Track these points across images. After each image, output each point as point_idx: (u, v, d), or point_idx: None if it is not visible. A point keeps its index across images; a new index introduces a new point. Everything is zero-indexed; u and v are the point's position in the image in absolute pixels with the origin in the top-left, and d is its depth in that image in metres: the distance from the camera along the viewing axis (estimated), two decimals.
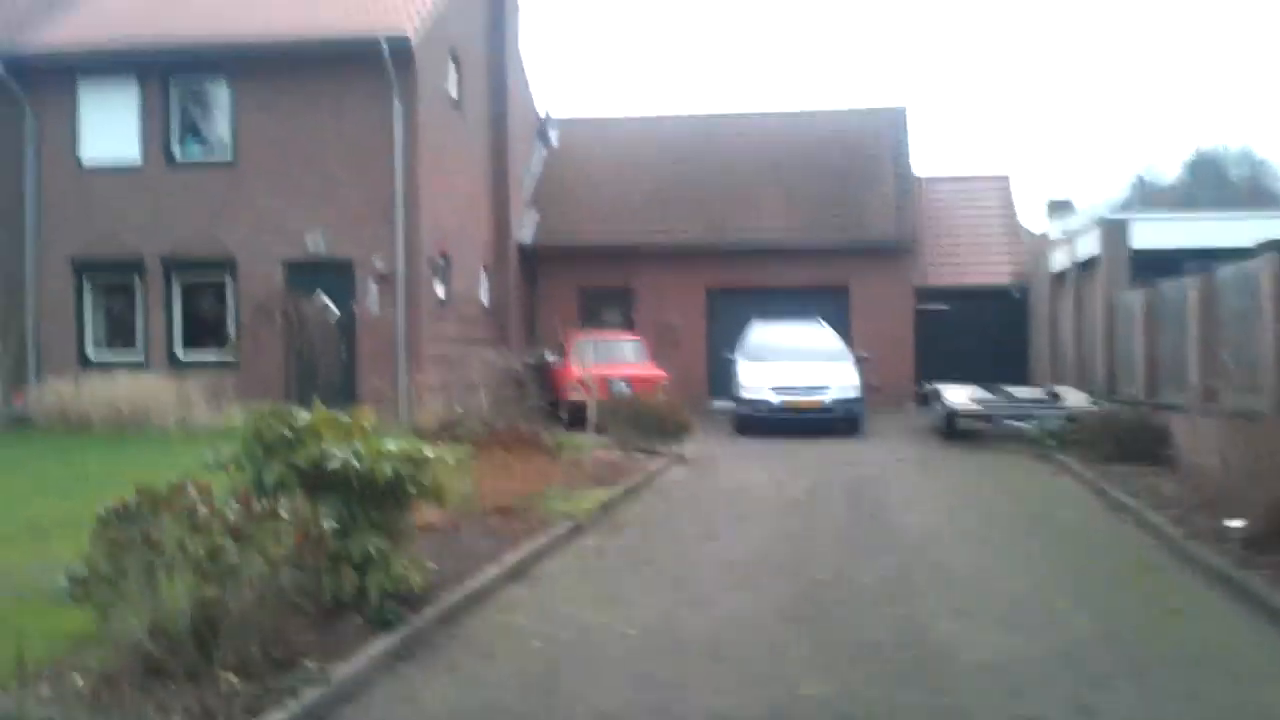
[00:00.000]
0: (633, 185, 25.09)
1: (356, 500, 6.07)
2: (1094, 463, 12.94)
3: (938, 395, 17.81)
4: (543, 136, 26.43)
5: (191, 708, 4.57)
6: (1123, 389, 15.58)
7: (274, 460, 6.00)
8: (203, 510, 5.08)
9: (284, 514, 5.24)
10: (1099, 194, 47.88)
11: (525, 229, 24.11)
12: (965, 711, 4.98)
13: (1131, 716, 5.01)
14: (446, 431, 8.98)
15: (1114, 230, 16.96)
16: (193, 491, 5.19)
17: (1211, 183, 45.95)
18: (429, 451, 6.27)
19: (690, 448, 15.07)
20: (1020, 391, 17.79)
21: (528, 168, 25.53)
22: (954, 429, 17.11)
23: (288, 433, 6.08)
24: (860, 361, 18.78)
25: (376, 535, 6.09)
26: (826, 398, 17.69)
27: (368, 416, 6.52)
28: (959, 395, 16.99)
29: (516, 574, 7.54)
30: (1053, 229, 26.44)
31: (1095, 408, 15.33)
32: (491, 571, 7.25)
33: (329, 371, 17.55)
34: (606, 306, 24.34)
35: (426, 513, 8.62)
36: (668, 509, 10.77)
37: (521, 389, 17.50)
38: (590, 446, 13.76)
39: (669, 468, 13.76)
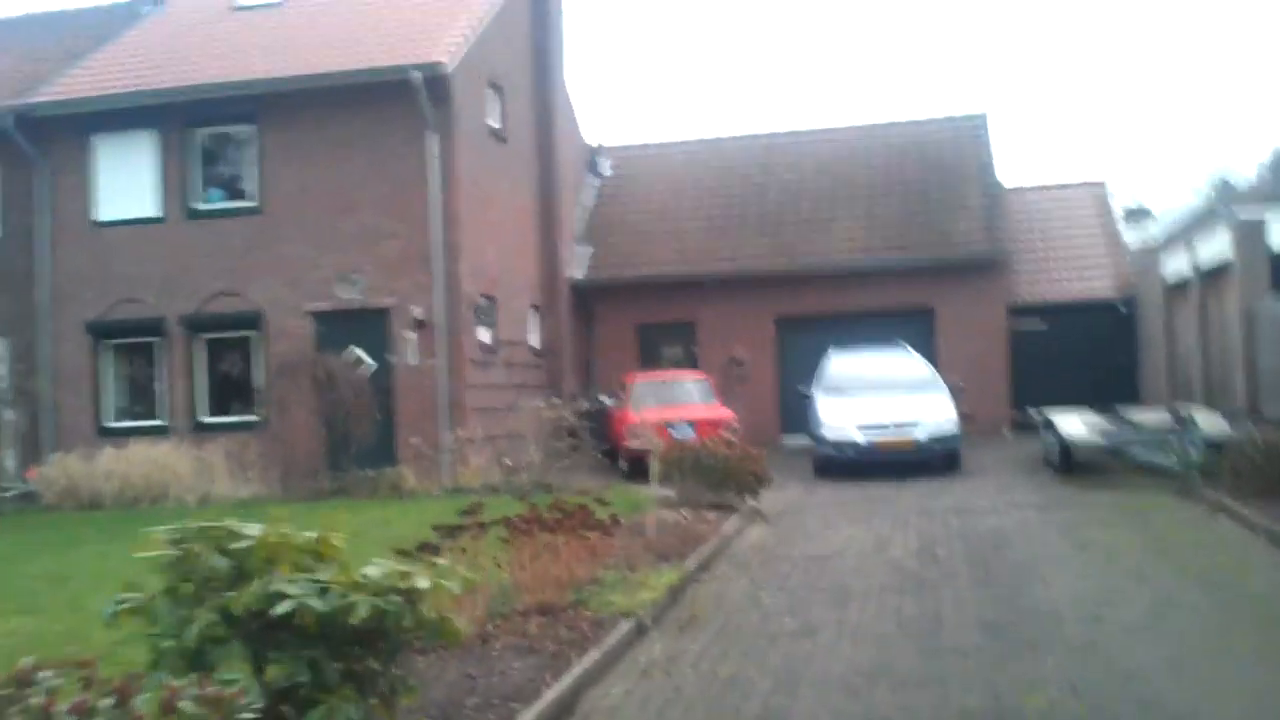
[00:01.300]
0: (692, 213, 23.39)
1: (324, 653, 4.30)
2: (1254, 501, 10.80)
3: (1048, 424, 15.69)
4: (594, 167, 24.83)
5: None
6: (1270, 410, 13.38)
7: (201, 606, 4.25)
8: (61, 713, 3.33)
9: (189, 706, 3.47)
10: (1173, 199, 44.93)
11: (578, 265, 22.46)
12: None
13: None
14: (472, 515, 7.19)
15: (1250, 231, 14.70)
16: (50, 679, 3.45)
17: None
18: (422, 580, 4.46)
19: (768, 498, 13.18)
20: (1144, 417, 15.61)
21: (579, 200, 23.93)
22: (1070, 463, 14.98)
23: (222, 563, 4.32)
24: (955, 391, 16.72)
25: (353, 702, 4.30)
26: (920, 435, 15.64)
27: (340, 526, 4.76)
28: (1075, 424, 14.86)
29: (559, 716, 5.69)
30: (1130, 237, 24.23)
31: (1237, 433, 13.13)
32: (526, 717, 5.42)
33: (363, 432, 15.97)
34: (668, 343, 22.60)
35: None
36: (749, 589, 8.87)
37: (574, 439, 15.73)
38: (652, 503, 11.97)
39: (746, 528, 11.87)
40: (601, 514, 8.64)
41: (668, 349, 22.53)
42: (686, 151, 25.19)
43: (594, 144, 24.99)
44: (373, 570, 4.52)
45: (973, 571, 9.10)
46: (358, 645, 4.42)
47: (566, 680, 6.03)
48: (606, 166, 24.77)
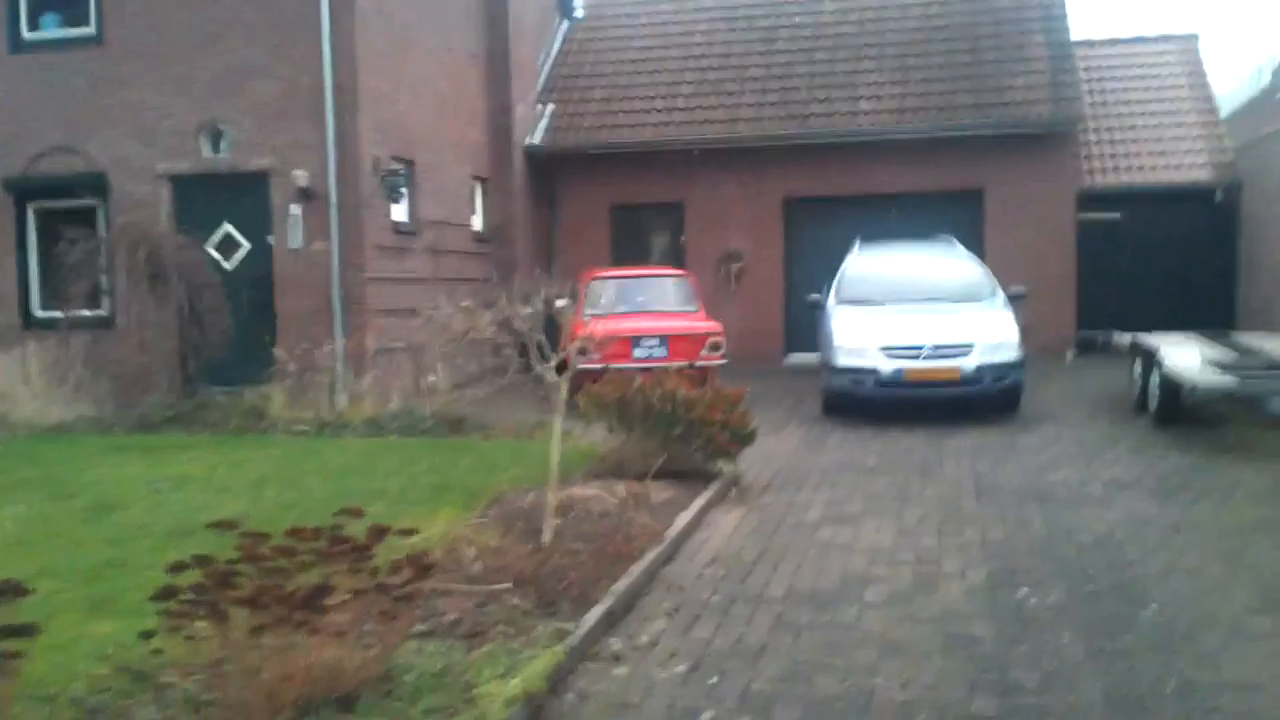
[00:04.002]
0: (683, 64, 18.83)
1: None
2: None
3: (1145, 352, 11.49)
4: (562, 4, 20.18)
5: None
6: None
7: None
8: None
9: None
10: (1230, 82, 39.30)
11: (537, 127, 18.02)
12: None
13: None
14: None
15: None
16: None
17: None
18: None
19: (754, 451, 9.13)
20: (1274, 346, 11.38)
21: (543, 46, 19.36)
22: (1174, 410, 10.84)
23: None
24: (1016, 302, 12.47)
25: None
26: (969, 362, 11.38)
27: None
28: (1187, 355, 10.63)
29: None
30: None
31: None
32: None
33: (213, 338, 11.93)
34: (651, 229, 18.37)
35: None
36: (679, 694, 4.79)
37: (498, 354, 11.66)
38: (573, 459, 8.06)
39: (708, 516, 7.79)
40: (394, 549, 4.55)
41: (653, 235, 18.30)
42: None
43: None
44: None
45: (1101, 666, 4.95)
46: None
47: None
48: (578, 4, 20.12)
